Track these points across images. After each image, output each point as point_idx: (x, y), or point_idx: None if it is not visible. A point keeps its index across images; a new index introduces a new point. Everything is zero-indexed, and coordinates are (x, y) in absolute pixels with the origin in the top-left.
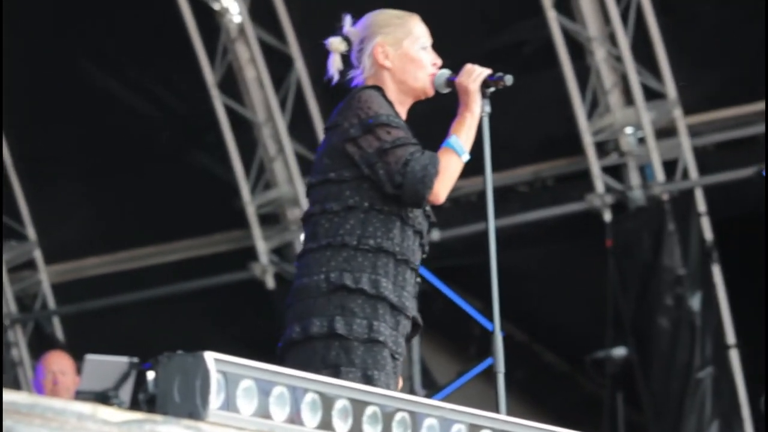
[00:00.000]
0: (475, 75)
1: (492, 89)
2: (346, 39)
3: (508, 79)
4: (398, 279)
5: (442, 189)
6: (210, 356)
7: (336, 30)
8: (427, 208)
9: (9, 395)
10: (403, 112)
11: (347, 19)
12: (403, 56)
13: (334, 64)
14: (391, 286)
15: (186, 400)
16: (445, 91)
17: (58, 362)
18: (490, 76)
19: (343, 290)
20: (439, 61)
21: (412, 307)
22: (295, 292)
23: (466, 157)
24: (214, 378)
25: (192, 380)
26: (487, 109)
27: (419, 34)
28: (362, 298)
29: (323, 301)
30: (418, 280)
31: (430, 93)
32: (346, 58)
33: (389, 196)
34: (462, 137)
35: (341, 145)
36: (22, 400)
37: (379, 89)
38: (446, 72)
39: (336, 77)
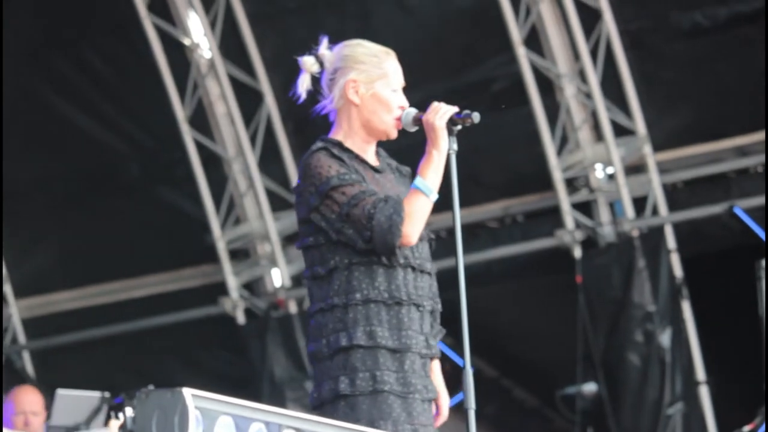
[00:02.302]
0: (441, 112)
1: (459, 127)
2: (320, 61)
3: (476, 117)
4: (393, 322)
5: (411, 231)
6: (188, 392)
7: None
8: (423, 230)
9: None
10: (367, 149)
11: (324, 41)
12: (373, 96)
13: (303, 84)
14: (387, 333)
15: None
16: (413, 129)
17: (31, 402)
18: (457, 114)
19: (341, 351)
20: (406, 104)
21: (418, 342)
22: (310, 357)
23: (434, 196)
24: (193, 414)
25: (170, 416)
26: (455, 146)
27: (393, 76)
28: (360, 351)
29: (329, 364)
30: (436, 303)
31: (393, 136)
32: (315, 79)
33: (364, 250)
34: (429, 177)
35: (308, 216)
36: None
37: (327, 148)
38: (413, 110)
39: (303, 96)
